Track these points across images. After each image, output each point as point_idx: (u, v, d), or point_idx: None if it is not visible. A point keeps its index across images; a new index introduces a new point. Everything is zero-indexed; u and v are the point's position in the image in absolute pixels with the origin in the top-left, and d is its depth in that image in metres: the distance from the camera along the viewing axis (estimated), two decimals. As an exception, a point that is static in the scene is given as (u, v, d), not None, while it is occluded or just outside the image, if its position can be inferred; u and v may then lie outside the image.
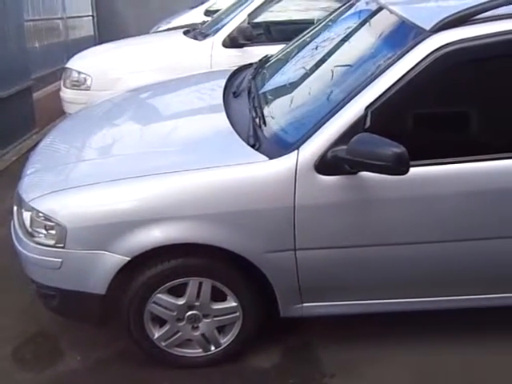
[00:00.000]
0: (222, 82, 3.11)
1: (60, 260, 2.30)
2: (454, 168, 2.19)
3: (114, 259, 2.26)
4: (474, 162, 2.19)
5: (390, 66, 2.18)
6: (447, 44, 2.14)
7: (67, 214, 2.28)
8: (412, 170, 2.06)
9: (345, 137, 2.14)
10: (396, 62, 2.17)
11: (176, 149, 2.53)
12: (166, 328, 2.44)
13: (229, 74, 3.26)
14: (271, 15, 4.90)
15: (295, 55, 3.03)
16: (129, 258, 2.26)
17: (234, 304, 2.40)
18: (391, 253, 2.29)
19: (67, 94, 4.93)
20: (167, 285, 2.35)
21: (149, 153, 2.53)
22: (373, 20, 2.71)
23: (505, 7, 2.17)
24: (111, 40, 5.88)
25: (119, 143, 2.78)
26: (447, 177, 2.19)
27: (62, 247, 2.28)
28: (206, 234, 2.25)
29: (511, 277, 2.39)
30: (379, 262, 2.31)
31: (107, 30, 9.69)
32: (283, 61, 3.08)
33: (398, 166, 2.01)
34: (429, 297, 2.44)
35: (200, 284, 2.36)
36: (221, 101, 2.84)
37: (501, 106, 2.26)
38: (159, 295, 2.36)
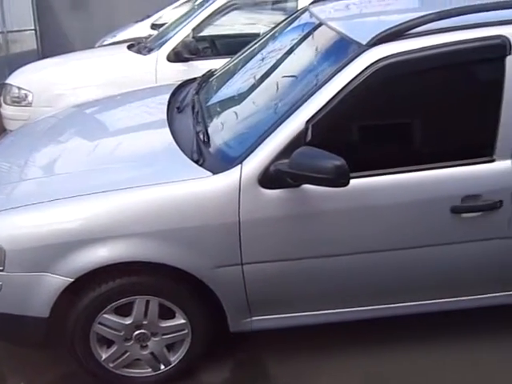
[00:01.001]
0: (166, 97, 3.09)
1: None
2: (392, 178, 2.25)
3: (56, 281, 2.21)
4: (411, 172, 2.25)
5: (328, 81, 2.22)
6: (383, 58, 2.20)
7: (6, 236, 2.22)
8: (352, 181, 2.11)
9: (287, 150, 2.16)
10: (334, 76, 2.22)
11: (119, 166, 2.50)
12: (113, 349, 2.39)
13: (173, 88, 3.25)
14: (217, 29, 4.91)
15: (238, 69, 3.05)
16: (72, 279, 2.21)
17: (183, 321, 2.38)
18: (336, 263, 2.32)
19: (7, 110, 4.80)
20: (113, 304, 2.31)
21: (92, 170, 2.49)
22: (313, 35, 2.76)
23: (436, 22, 2.25)
24: (55, 54, 5.76)
25: (63, 161, 2.72)
26: (386, 187, 2.25)
27: (1, 270, 2.21)
28: (152, 252, 2.23)
29: (450, 282, 2.46)
30: (325, 273, 2.34)
31: (51, 44, 9.48)
32: (226, 75, 3.10)
33: (338, 179, 2.05)
34: (375, 305, 2.48)
35: (147, 302, 2.33)
36: (164, 116, 2.83)
37: (435, 117, 2.34)
38: (105, 315, 2.32)
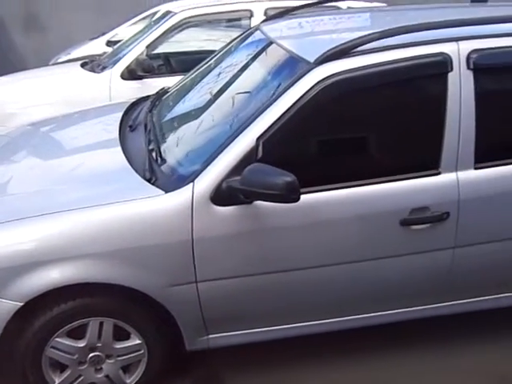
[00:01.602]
0: (119, 116, 3.08)
1: None
2: (342, 193, 2.29)
3: (5, 305, 2.16)
4: (361, 186, 2.30)
5: (277, 98, 2.26)
6: (330, 75, 2.25)
7: None
8: (303, 197, 2.14)
9: (238, 167, 2.18)
10: (283, 93, 2.26)
11: (71, 186, 2.47)
12: (67, 373, 2.35)
13: (126, 106, 3.24)
14: (171, 46, 4.92)
15: (191, 87, 3.06)
16: (22, 304, 2.16)
17: (138, 341, 2.36)
18: (290, 278, 2.34)
19: (-42, 130, 4.67)
20: (66, 327, 2.26)
21: (44, 191, 2.46)
22: (264, 53, 2.80)
23: (380, 40, 2.32)
24: (8, 73, 5.66)
25: (15, 181, 2.67)
26: (337, 202, 2.29)
27: None
28: (105, 272, 2.20)
29: (403, 293, 2.51)
30: (280, 288, 2.36)
31: (3, 61, 9.31)
32: (179, 93, 3.10)
33: (289, 194, 2.08)
34: (330, 318, 2.51)
35: (101, 324, 2.30)
36: (117, 135, 2.81)
37: (382, 132, 2.40)
38: (58, 339, 2.27)
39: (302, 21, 3.24)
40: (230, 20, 5.22)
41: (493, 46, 2.41)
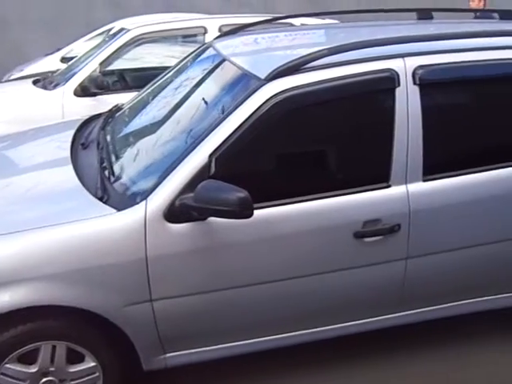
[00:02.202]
0: (71, 134, 3.03)
1: None
2: (295, 208, 2.30)
3: (-50, 332, 2.08)
4: (314, 200, 2.32)
5: (229, 114, 2.27)
6: (280, 91, 2.28)
7: None
8: (257, 212, 2.15)
9: (191, 184, 2.18)
10: (235, 110, 2.28)
11: (21, 206, 2.41)
12: (18, 400, 2.27)
13: (78, 124, 3.20)
14: (125, 63, 4.90)
15: (144, 104, 3.05)
16: (-33, 330, 2.09)
17: (93, 364, 2.31)
18: (246, 294, 2.34)
19: None
20: (16, 353, 2.20)
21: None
22: (216, 70, 2.82)
23: (329, 57, 2.36)
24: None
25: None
26: (290, 217, 2.31)
27: None
28: (57, 295, 2.15)
29: (357, 305, 2.55)
30: (236, 304, 2.35)
31: (-47, 79, 9.07)
32: (132, 110, 3.09)
33: (242, 210, 2.08)
34: (288, 332, 2.51)
35: (53, 347, 2.24)
36: (68, 153, 2.77)
37: (333, 147, 2.44)
38: (7, 365, 2.20)
39: (255, 37, 3.27)
40: (184, 36, 5.23)
41: (437, 61, 2.49)
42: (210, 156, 2.21)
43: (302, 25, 4.82)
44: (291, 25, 4.65)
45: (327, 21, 5.22)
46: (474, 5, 6.51)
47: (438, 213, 2.46)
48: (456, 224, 2.51)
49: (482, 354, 2.80)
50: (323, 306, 2.49)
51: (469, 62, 2.52)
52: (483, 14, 5.23)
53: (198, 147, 2.24)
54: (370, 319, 2.58)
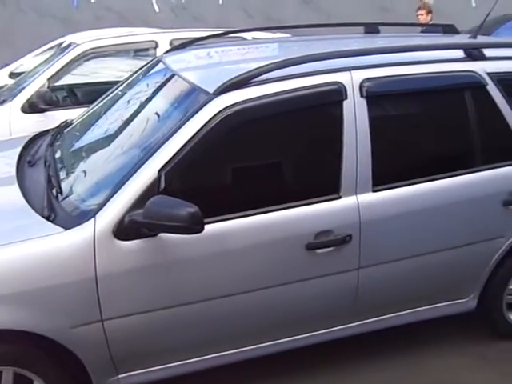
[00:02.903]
0: (17, 151, 2.95)
1: None
2: (247, 221, 2.30)
3: None
4: (265, 213, 2.32)
5: (178, 129, 2.26)
6: (229, 106, 2.28)
7: None
8: (208, 227, 2.13)
9: (141, 200, 2.15)
10: (183, 124, 2.26)
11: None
12: (-38, 431, 2.17)
13: (25, 141, 3.11)
14: (75, 78, 4.81)
15: (93, 120, 2.99)
16: None
17: (42, 388, 2.23)
18: (198, 310, 2.31)
19: None
20: (-41, 381, 2.11)
21: None
22: (166, 85, 2.80)
23: (278, 70, 2.38)
24: None
25: None
26: (241, 230, 2.30)
27: None
28: (1, 318, 2.07)
29: (311, 316, 2.55)
30: (188, 320, 2.32)
31: None
32: (81, 126, 3.03)
33: (193, 225, 2.07)
34: (243, 346, 2.49)
35: (0, 374, 2.15)
36: (14, 171, 2.69)
37: (283, 159, 2.45)
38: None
39: (205, 51, 3.28)
40: (135, 50, 5.19)
41: (384, 74, 2.54)
42: (160, 171, 2.19)
43: (254, 39, 4.85)
44: (243, 39, 4.67)
45: (278, 35, 5.26)
46: (422, 18, 6.72)
47: (388, 222, 2.50)
48: (405, 233, 2.55)
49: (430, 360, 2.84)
50: (277, 319, 2.48)
51: (414, 74, 2.59)
52: (428, 28, 5.39)
53: (147, 162, 2.21)
54: (325, 330, 2.59)
